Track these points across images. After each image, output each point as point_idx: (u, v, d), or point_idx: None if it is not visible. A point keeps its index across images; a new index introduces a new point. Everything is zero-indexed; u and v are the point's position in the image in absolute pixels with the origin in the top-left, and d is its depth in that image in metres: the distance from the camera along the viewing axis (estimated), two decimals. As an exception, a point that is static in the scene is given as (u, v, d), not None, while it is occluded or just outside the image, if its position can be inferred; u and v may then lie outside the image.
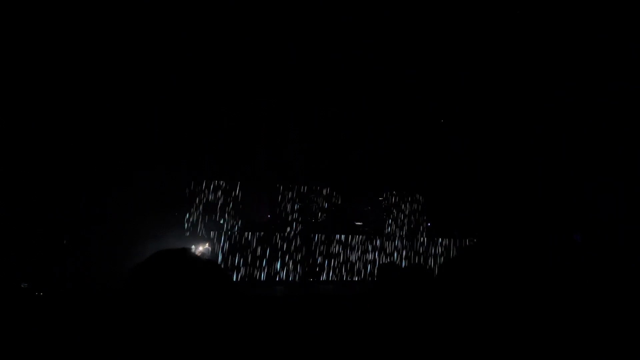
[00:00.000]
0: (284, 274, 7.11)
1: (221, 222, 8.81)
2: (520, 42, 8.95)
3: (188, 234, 8.09)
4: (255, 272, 7.02)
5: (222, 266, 6.49)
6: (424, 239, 8.91)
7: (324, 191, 9.68)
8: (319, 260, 7.45)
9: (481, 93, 9.66)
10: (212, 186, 8.86)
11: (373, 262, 7.78)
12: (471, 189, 9.60)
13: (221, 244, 7.05)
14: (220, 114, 8.51)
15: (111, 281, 5.58)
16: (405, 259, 8.13)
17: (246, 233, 7.25)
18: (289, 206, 9.58)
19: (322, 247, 7.56)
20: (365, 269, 7.70)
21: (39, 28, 6.32)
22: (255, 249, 7.05)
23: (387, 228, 9.98)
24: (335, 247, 7.64)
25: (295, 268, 7.24)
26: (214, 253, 6.96)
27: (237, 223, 8.97)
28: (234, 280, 6.91)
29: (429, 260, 8.40)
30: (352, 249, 7.75)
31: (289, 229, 9.35)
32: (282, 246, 7.28)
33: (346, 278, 7.50)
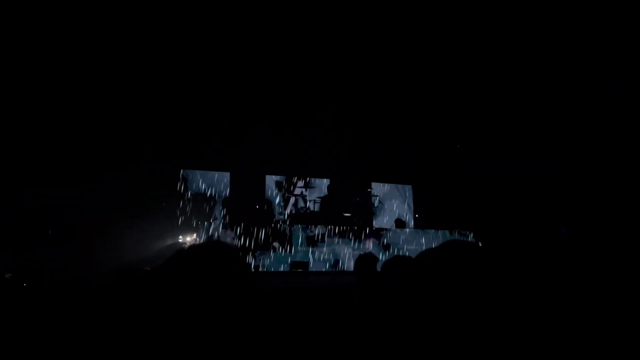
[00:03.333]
0: (272, 265, 7.17)
1: (209, 212, 8.92)
2: (520, 43, 8.92)
3: (179, 223, 8.21)
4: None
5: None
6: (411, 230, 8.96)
7: (314, 182, 9.76)
8: (307, 251, 7.51)
9: (480, 92, 9.66)
10: (201, 177, 8.99)
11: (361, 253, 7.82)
12: (461, 183, 9.60)
13: (209, 235, 7.12)
14: (214, 108, 8.65)
15: (99, 270, 5.71)
16: (391, 250, 8.15)
17: (234, 223, 7.36)
18: (277, 197, 9.67)
19: (310, 238, 7.62)
20: (354, 260, 7.74)
21: (38, 27, 6.49)
22: (244, 239, 7.08)
23: (376, 219, 10.04)
24: (324, 238, 7.70)
25: (283, 259, 7.31)
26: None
27: (225, 214, 9.08)
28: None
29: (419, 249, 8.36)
30: (341, 240, 7.79)
31: (277, 219, 9.43)
32: (270, 237, 7.34)
33: (334, 269, 7.53)
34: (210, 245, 1.23)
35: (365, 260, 3.14)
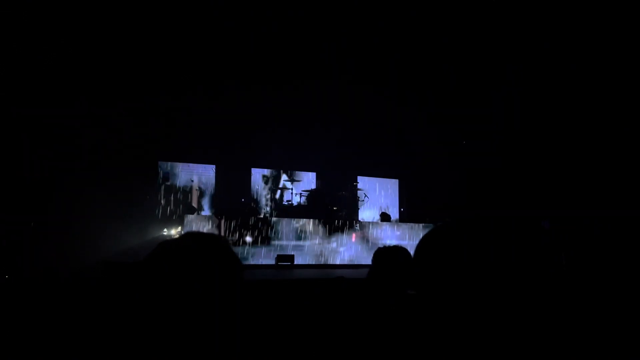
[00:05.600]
0: (257, 259, 7.16)
1: (194, 205, 8.89)
2: (509, 41, 8.90)
3: (161, 216, 8.14)
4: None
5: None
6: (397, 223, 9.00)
7: (300, 176, 9.77)
8: (293, 244, 7.51)
9: (461, 86, 9.70)
10: (186, 170, 8.92)
11: (348, 247, 7.85)
12: (447, 176, 9.67)
13: (194, 227, 7.08)
14: (201, 101, 8.56)
15: (83, 264, 5.65)
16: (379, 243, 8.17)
17: (220, 216, 7.33)
18: (263, 190, 9.66)
19: (296, 232, 7.63)
20: (341, 254, 7.77)
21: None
22: (229, 232, 7.06)
23: (362, 212, 10.09)
24: (310, 231, 7.71)
25: (268, 252, 7.31)
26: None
27: (210, 206, 9.05)
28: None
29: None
30: (327, 233, 7.81)
31: (262, 212, 9.43)
32: (255, 230, 7.33)
33: (320, 263, 7.55)
34: (197, 237, 1.20)
35: (386, 255, 2.48)
